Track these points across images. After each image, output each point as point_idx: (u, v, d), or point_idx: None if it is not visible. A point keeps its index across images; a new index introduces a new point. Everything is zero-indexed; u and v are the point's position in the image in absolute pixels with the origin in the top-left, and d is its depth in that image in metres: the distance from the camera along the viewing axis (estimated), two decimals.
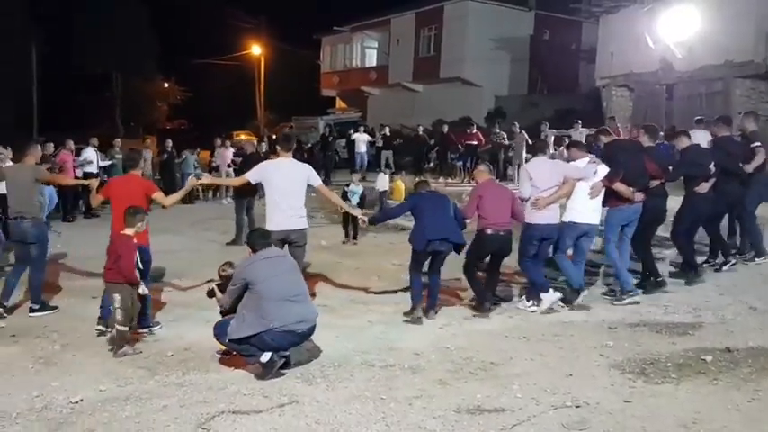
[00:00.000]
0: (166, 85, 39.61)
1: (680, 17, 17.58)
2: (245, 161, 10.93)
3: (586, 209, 6.75)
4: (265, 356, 4.85)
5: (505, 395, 4.54)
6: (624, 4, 19.49)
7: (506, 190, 7.03)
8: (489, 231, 6.51)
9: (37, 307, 6.62)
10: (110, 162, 14.71)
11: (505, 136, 17.79)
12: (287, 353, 5.02)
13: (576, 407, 4.32)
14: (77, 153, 13.94)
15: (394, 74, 30.06)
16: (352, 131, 21.41)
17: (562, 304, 6.71)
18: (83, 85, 33.78)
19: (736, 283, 7.48)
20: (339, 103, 34.34)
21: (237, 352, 5.01)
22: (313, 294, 6.94)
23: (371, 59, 32.78)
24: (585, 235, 6.92)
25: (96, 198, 6.77)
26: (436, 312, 6.59)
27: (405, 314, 6.53)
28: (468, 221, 6.78)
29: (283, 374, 4.93)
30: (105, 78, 34.39)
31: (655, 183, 7.11)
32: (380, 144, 20.65)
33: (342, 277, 8.38)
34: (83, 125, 24.90)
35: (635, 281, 7.17)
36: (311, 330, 5.07)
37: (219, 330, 5.06)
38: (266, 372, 4.86)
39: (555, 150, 14.85)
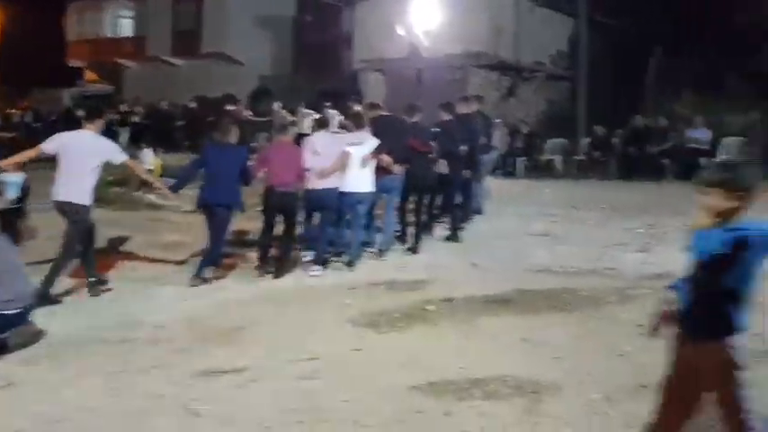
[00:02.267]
0: None
1: (425, 7, 18.98)
2: None
3: (360, 179, 7.37)
4: None
5: (245, 356, 4.62)
6: None
7: (297, 152, 7.31)
8: (274, 189, 6.97)
9: None
10: None
11: (251, 114, 18.23)
12: (4, 335, 4.58)
13: (311, 359, 4.55)
14: None
15: (152, 46, 28.31)
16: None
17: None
18: None
19: (463, 245, 8.40)
20: (89, 75, 31.50)
21: None
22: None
23: (126, 29, 30.54)
24: (360, 203, 7.53)
25: None
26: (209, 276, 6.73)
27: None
28: (255, 178, 7.12)
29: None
30: None
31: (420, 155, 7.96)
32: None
33: (111, 254, 7.76)
34: None
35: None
36: (25, 311, 4.67)
37: None
38: None
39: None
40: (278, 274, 6.95)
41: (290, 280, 6.92)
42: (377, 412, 3.69)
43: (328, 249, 7.42)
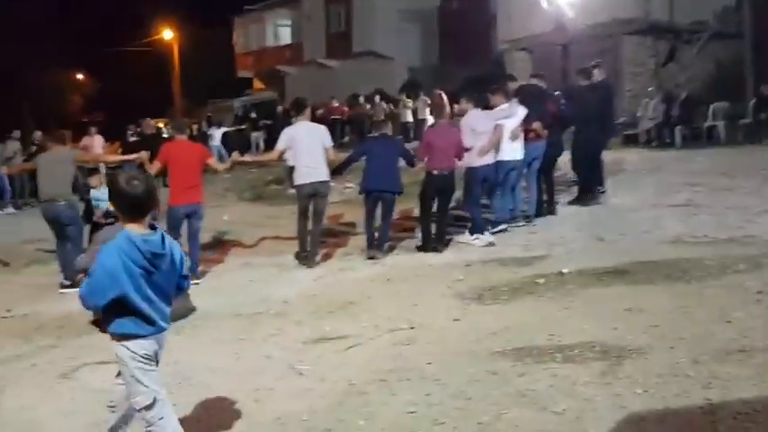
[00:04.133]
0: (80, 76, 38.58)
1: None
2: (143, 141, 11.11)
3: (511, 148, 7.83)
4: None
5: (351, 325, 5.05)
6: None
7: (454, 132, 7.67)
8: (435, 172, 7.40)
9: (68, 283, 6.78)
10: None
11: (368, 106, 19.96)
12: None
13: (411, 328, 4.86)
14: None
15: (308, 51, 30.07)
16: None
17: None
18: None
19: (593, 219, 8.23)
20: (256, 84, 34.16)
21: None
22: (210, 270, 7.40)
23: (285, 37, 32.67)
24: (513, 170, 7.99)
25: (155, 167, 6.99)
26: (383, 254, 7.36)
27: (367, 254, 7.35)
28: (418, 163, 7.79)
29: None
30: (9, 74, 33.19)
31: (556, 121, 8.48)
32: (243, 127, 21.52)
33: (235, 248, 8.72)
34: None
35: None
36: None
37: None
38: None
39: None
40: (438, 249, 7.41)
41: (409, 259, 7.26)
42: (456, 373, 3.91)
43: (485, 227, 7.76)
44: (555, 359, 3.99)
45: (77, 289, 5.95)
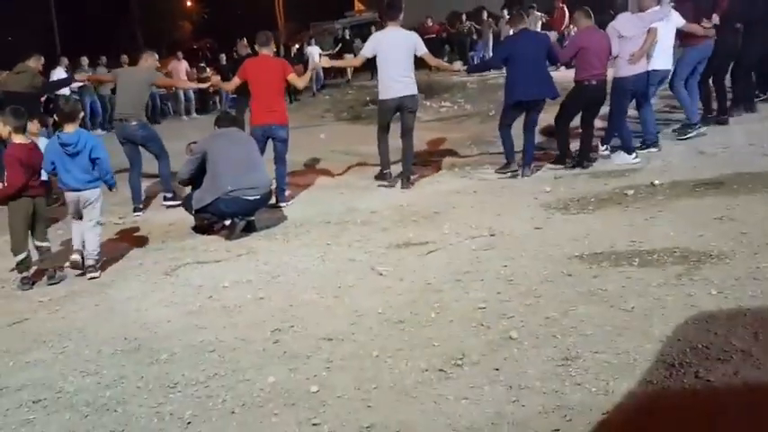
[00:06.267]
0: (189, 3, 39.68)
1: None
2: (237, 63, 11.36)
3: (665, 55, 7.23)
4: (228, 220, 5.59)
5: (434, 232, 5.17)
6: None
7: (604, 37, 6.92)
8: (586, 83, 6.79)
9: (170, 196, 7.08)
10: (81, 84, 14.16)
11: (470, 25, 19.68)
12: (251, 218, 5.74)
13: (491, 235, 4.92)
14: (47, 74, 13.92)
15: None
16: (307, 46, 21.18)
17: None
18: (100, 5, 33.95)
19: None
20: (357, 5, 33.83)
21: (204, 220, 5.76)
22: (304, 185, 7.67)
23: None
24: (663, 80, 7.40)
25: (232, 83, 7.02)
26: (531, 172, 6.87)
27: (497, 170, 7.07)
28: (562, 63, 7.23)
29: (248, 235, 5.67)
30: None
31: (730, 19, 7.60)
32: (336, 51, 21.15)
33: (329, 165, 8.95)
34: (103, 47, 25.25)
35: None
36: (264, 198, 5.69)
37: (187, 203, 5.80)
38: (230, 233, 5.61)
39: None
40: (585, 165, 6.89)
41: (493, 176, 7.18)
42: (530, 275, 3.97)
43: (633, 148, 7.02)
44: (632, 263, 3.96)
45: (179, 201, 6.52)
